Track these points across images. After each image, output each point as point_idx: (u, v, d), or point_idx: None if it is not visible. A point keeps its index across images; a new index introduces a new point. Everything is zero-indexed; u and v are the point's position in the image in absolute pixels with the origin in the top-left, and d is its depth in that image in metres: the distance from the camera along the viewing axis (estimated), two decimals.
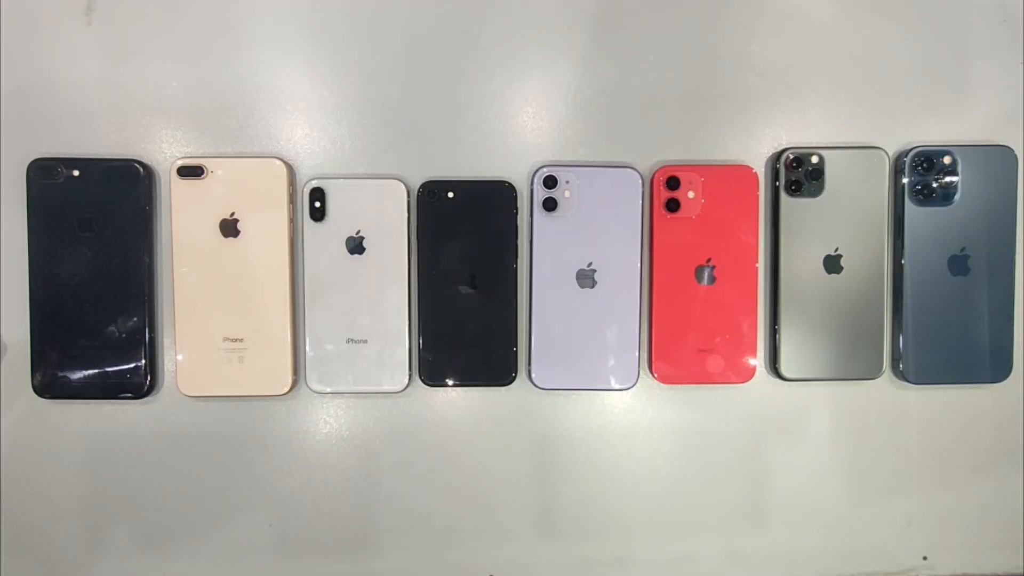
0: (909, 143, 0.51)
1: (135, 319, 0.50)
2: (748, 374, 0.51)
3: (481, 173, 0.51)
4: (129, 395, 0.50)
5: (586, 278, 0.51)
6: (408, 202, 0.50)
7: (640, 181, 0.50)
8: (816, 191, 0.50)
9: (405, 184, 0.50)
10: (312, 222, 0.50)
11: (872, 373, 0.51)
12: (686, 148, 0.52)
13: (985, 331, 0.51)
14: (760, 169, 0.52)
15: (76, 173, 0.49)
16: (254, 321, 0.50)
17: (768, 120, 0.52)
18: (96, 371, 0.50)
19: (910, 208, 0.51)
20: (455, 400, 0.52)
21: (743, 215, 0.51)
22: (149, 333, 0.50)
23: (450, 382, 0.51)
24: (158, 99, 0.51)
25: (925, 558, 0.54)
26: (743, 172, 0.51)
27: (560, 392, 0.52)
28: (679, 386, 0.52)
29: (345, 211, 0.50)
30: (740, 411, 0.52)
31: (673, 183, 0.50)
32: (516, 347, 0.51)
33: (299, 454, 0.52)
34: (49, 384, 0.50)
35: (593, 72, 0.51)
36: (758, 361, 0.52)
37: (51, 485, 0.52)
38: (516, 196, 0.51)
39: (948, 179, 0.51)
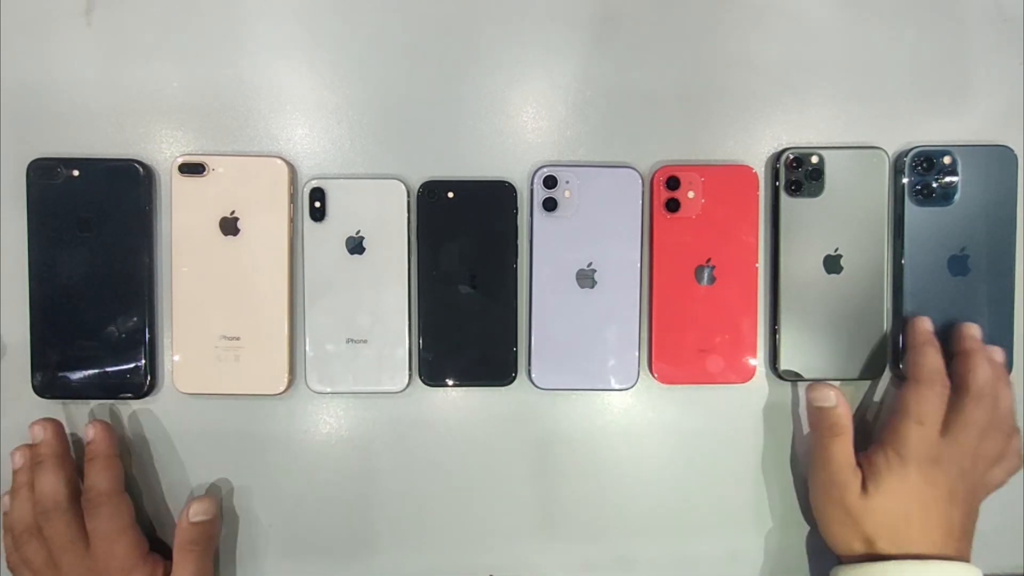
0: (909, 143, 0.51)
1: (135, 319, 0.50)
2: (748, 374, 0.51)
3: (481, 173, 0.51)
4: (129, 395, 0.50)
5: (586, 278, 0.51)
6: (408, 202, 0.50)
7: (640, 181, 0.50)
8: (816, 191, 0.50)
9: (405, 184, 0.50)
10: (312, 222, 0.50)
11: (872, 373, 0.51)
12: (686, 148, 0.52)
13: (985, 331, 0.50)
14: (760, 169, 0.52)
15: (76, 173, 0.49)
16: (251, 320, 0.50)
17: (768, 120, 0.52)
18: (96, 371, 0.50)
19: (910, 208, 0.51)
20: (455, 400, 0.52)
21: (743, 215, 0.51)
22: (149, 333, 0.50)
23: (450, 382, 0.51)
24: (158, 99, 0.51)
25: None
26: (743, 172, 0.51)
27: (560, 392, 0.52)
28: (679, 386, 0.52)
29: (345, 211, 0.50)
30: (740, 411, 0.52)
31: (673, 183, 0.50)
32: (516, 347, 0.51)
33: (299, 454, 0.52)
34: (49, 384, 0.50)
35: (593, 72, 0.51)
36: (758, 361, 0.52)
37: None
38: (516, 196, 0.51)
39: (948, 179, 0.51)
